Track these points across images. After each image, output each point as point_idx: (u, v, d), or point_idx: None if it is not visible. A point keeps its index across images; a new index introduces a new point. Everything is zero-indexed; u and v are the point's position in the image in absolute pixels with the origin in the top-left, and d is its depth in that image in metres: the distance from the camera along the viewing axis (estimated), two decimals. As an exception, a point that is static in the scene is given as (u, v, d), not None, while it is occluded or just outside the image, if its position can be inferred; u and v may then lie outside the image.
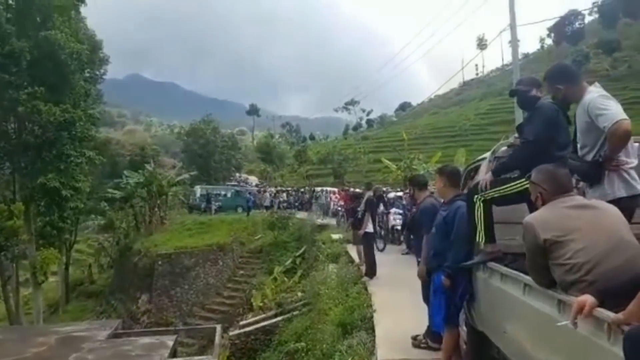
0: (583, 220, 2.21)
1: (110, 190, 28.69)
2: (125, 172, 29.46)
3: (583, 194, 2.76)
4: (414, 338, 4.63)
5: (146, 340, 7.65)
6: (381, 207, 13.08)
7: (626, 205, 2.52)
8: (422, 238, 4.49)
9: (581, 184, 2.92)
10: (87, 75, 23.60)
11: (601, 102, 2.66)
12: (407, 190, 10.41)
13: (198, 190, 33.01)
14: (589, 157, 2.77)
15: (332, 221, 19.74)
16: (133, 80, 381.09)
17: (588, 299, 1.78)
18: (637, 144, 2.89)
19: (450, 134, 47.19)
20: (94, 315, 21.19)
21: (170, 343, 7.28)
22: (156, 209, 26.83)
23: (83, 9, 23.60)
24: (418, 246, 4.74)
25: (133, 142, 49.83)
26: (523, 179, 2.90)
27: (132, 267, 21.88)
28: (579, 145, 2.89)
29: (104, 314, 20.67)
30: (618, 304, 1.65)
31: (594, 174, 2.72)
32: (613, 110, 2.60)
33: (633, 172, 2.68)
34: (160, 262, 20.09)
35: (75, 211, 22.94)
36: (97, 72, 24.71)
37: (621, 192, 2.62)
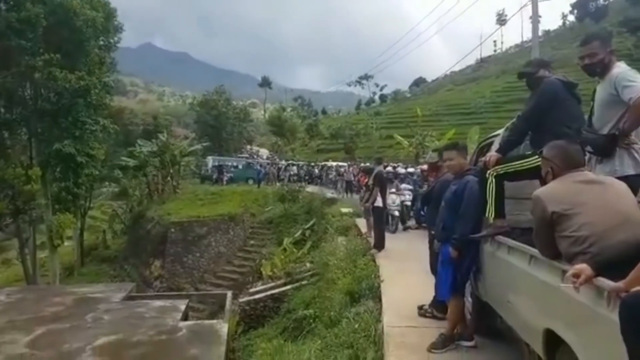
0: (591, 194, 2.26)
1: (124, 158, 28.99)
2: (138, 141, 29.81)
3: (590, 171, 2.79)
4: (420, 307, 4.76)
5: (159, 303, 7.94)
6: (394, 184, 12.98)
7: (633, 183, 2.54)
8: (437, 209, 4.43)
9: (592, 160, 2.95)
10: (102, 43, 23.38)
11: (631, 75, 2.70)
12: (419, 167, 10.37)
13: (210, 161, 33.31)
14: (604, 132, 2.80)
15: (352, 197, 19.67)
16: (146, 50, 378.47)
17: (585, 269, 1.84)
18: None
19: (464, 111, 46.46)
20: (108, 278, 21.78)
21: (182, 307, 7.56)
22: (169, 178, 27.21)
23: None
24: (432, 218, 4.68)
25: (146, 112, 50.10)
26: (536, 155, 2.93)
27: (145, 234, 22.36)
28: (593, 119, 2.92)
29: (118, 278, 21.25)
30: (620, 275, 1.71)
31: (608, 148, 2.76)
32: None
33: None
34: (173, 230, 20.50)
35: (89, 178, 23.31)
36: (111, 40, 24.31)
37: (630, 170, 2.66)
